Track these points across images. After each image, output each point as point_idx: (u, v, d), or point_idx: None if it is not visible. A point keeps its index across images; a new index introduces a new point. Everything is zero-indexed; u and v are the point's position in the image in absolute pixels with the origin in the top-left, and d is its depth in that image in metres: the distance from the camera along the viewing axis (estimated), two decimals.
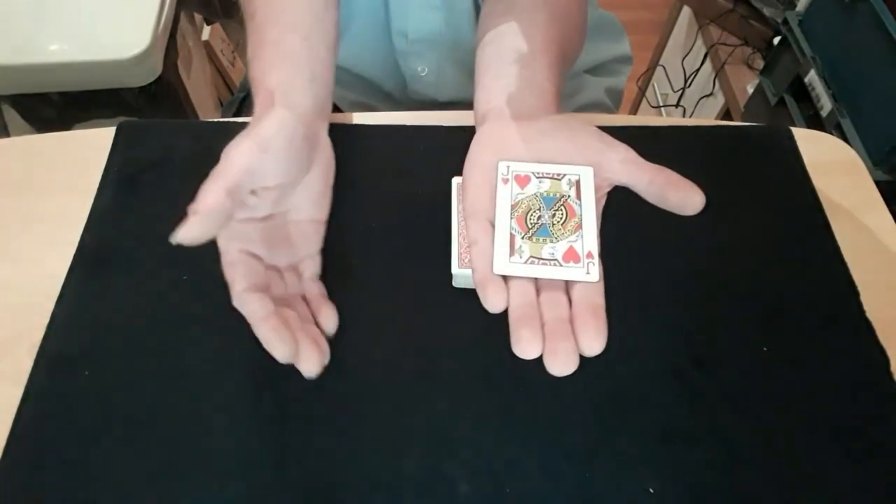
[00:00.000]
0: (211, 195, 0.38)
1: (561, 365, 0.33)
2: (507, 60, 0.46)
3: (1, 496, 0.41)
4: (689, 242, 0.53)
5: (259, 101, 0.44)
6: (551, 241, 0.38)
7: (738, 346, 0.48)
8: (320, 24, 0.49)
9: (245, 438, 0.43)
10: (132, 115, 1.11)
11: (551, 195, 0.40)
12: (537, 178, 0.40)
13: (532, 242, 0.38)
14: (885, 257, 0.53)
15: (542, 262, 0.38)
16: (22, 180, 0.57)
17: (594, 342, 0.34)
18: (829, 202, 0.56)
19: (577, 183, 0.40)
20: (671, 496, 0.42)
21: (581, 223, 0.39)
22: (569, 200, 0.40)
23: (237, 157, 0.39)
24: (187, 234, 0.37)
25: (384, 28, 0.68)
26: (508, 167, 0.41)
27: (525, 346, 0.34)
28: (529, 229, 0.39)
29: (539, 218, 0.39)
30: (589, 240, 0.39)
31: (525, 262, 0.37)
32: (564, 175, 0.40)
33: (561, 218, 0.39)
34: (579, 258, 0.38)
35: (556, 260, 0.38)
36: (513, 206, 0.39)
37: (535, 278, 0.37)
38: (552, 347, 0.34)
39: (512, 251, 0.38)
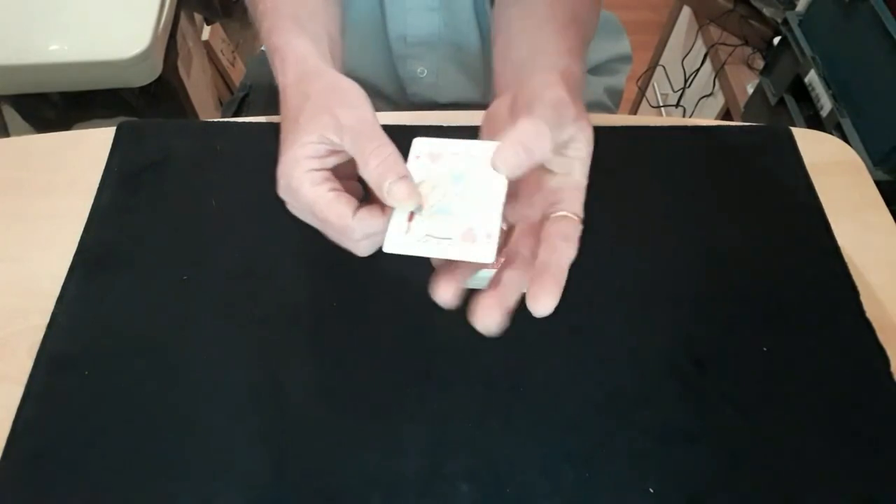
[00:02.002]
0: (401, 164, 0.36)
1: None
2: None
3: (1, 496, 0.41)
4: (690, 242, 0.53)
5: (290, 65, 0.42)
6: (450, 220, 0.37)
7: (738, 346, 0.48)
8: (328, 11, 0.49)
9: (245, 438, 0.43)
10: (132, 115, 1.11)
11: (460, 172, 0.39)
12: (452, 154, 0.40)
13: (430, 220, 0.37)
14: (885, 257, 0.53)
15: (437, 240, 0.36)
16: (22, 180, 0.57)
17: (546, 305, 0.34)
18: (829, 202, 0.56)
19: (487, 161, 0.39)
20: (671, 496, 0.42)
21: (483, 203, 0.38)
22: (477, 178, 0.38)
23: (378, 125, 0.37)
24: (411, 200, 0.35)
25: (381, 34, 0.68)
26: (424, 143, 0.40)
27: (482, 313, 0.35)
28: (432, 206, 0.38)
29: (443, 195, 0.38)
30: (490, 219, 0.37)
31: (419, 240, 0.36)
32: (475, 152, 0.39)
33: (464, 197, 0.38)
34: (475, 238, 0.37)
35: (451, 238, 0.36)
36: (419, 184, 0.39)
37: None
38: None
39: (408, 228, 0.36)
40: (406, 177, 0.35)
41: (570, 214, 0.36)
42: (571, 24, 0.49)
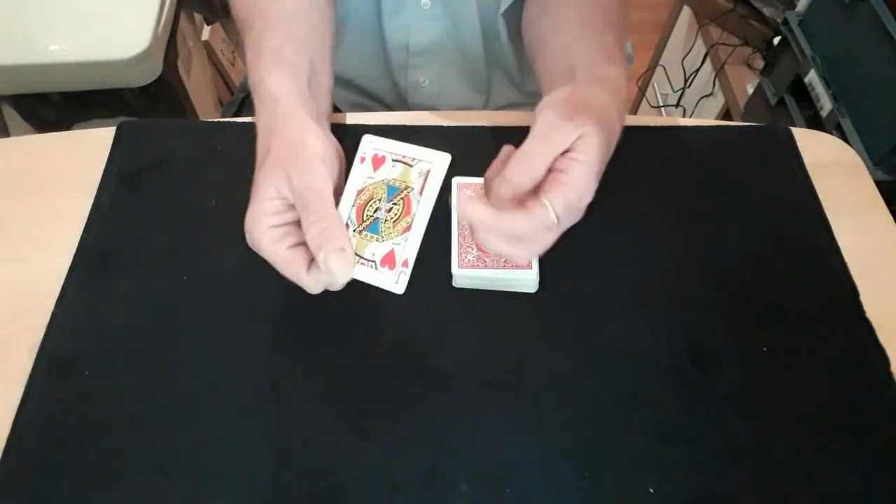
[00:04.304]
0: (342, 235, 0.38)
1: None
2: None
3: (1, 496, 0.41)
4: (689, 242, 0.53)
5: (264, 108, 0.44)
6: (377, 240, 0.38)
7: (738, 345, 0.48)
8: (314, 32, 0.50)
9: (245, 438, 0.43)
10: (132, 115, 1.11)
11: (396, 185, 0.39)
12: (392, 161, 0.39)
13: (360, 238, 0.38)
14: (885, 257, 0.53)
15: (362, 261, 0.37)
16: (22, 180, 0.57)
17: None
18: (829, 202, 0.56)
19: (427, 174, 0.39)
20: (671, 496, 0.42)
21: (411, 225, 0.38)
22: (410, 195, 0.39)
23: (326, 192, 0.39)
24: (344, 271, 0.38)
25: (379, 44, 0.68)
26: (371, 143, 0.40)
27: None
28: (363, 222, 0.38)
29: (376, 211, 0.39)
30: (410, 246, 0.38)
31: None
32: (418, 162, 0.39)
33: (395, 214, 0.39)
34: (394, 265, 0.38)
35: (374, 262, 0.38)
36: (359, 192, 0.38)
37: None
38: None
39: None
40: (342, 249, 0.37)
41: (546, 203, 0.38)
42: (606, 31, 0.50)
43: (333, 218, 0.38)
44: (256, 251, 0.40)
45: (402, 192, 0.39)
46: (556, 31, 0.52)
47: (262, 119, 0.44)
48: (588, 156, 0.39)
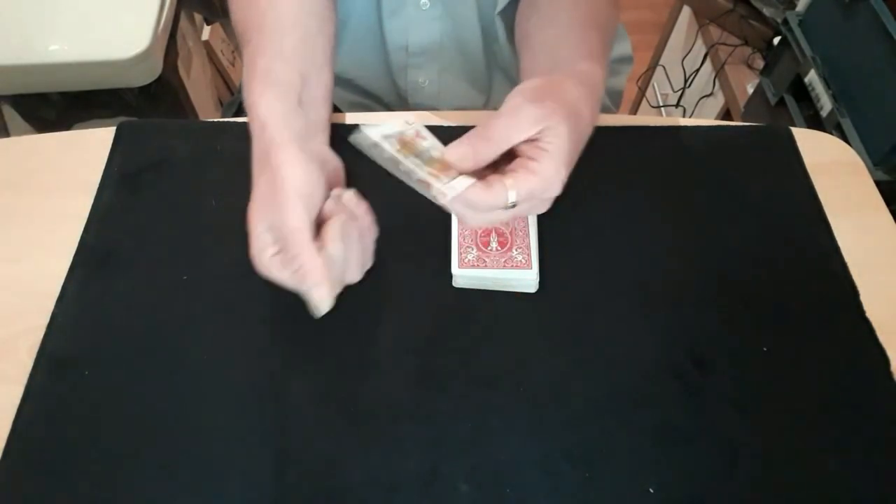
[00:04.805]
0: (317, 272, 0.41)
1: None
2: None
3: (1, 496, 0.41)
4: (689, 242, 0.53)
5: (255, 135, 0.46)
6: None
7: (738, 346, 0.48)
8: (309, 42, 0.51)
9: (245, 438, 0.43)
10: (132, 115, 1.11)
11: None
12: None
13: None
14: (885, 257, 0.53)
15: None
16: (22, 180, 0.57)
17: None
18: (829, 202, 0.56)
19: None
20: (671, 496, 0.42)
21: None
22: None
23: (299, 228, 0.41)
24: (325, 305, 0.41)
25: (379, 45, 0.68)
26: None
27: None
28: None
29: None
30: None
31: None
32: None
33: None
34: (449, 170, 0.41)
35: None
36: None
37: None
38: None
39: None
40: (319, 284, 0.41)
41: (506, 184, 0.39)
42: (591, 30, 0.50)
43: (309, 254, 0.40)
44: (269, 279, 0.43)
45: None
46: (541, 28, 0.53)
47: (255, 145, 0.46)
48: (556, 147, 0.39)
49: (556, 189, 0.40)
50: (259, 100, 0.46)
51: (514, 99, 0.41)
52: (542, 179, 0.39)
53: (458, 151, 0.40)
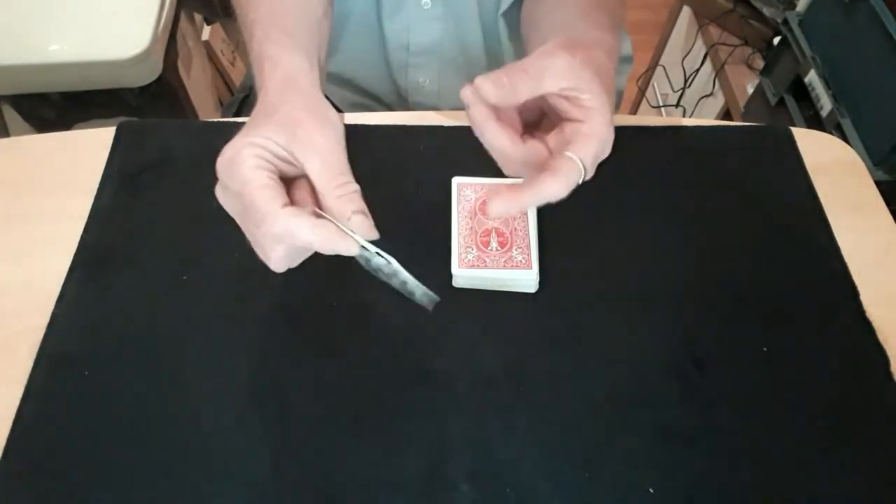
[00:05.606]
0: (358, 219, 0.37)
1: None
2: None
3: (1, 496, 0.41)
4: (689, 242, 0.53)
5: (277, 79, 0.41)
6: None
7: (738, 346, 0.48)
8: (317, 27, 0.49)
9: (245, 438, 0.43)
10: (132, 115, 1.11)
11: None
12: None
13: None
14: (885, 257, 0.53)
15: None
16: (22, 180, 0.57)
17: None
18: (829, 202, 0.56)
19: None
20: (671, 496, 0.42)
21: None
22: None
23: (348, 172, 0.38)
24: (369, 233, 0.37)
25: (379, 44, 0.68)
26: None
27: None
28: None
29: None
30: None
31: None
32: None
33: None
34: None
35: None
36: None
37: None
38: None
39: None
40: (364, 213, 0.37)
41: (571, 156, 0.37)
42: (599, 10, 0.49)
43: (355, 184, 0.37)
44: (227, 175, 0.36)
45: None
46: (549, 13, 0.52)
47: (277, 76, 0.41)
48: (600, 102, 0.38)
49: (609, 148, 0.39)
50: (287, 54, 0.42)
51: (546, 47, 0.39)
52: (601, 139, 0.37)
53: (492, 78, 0.37)
